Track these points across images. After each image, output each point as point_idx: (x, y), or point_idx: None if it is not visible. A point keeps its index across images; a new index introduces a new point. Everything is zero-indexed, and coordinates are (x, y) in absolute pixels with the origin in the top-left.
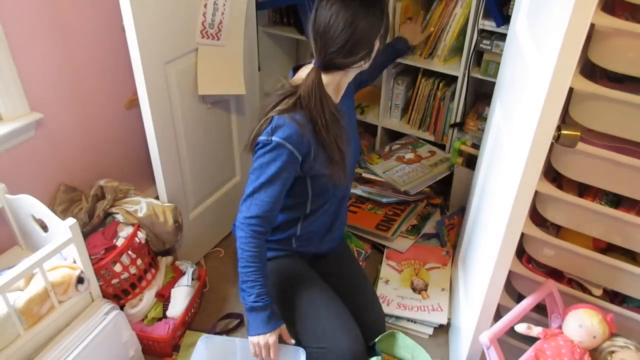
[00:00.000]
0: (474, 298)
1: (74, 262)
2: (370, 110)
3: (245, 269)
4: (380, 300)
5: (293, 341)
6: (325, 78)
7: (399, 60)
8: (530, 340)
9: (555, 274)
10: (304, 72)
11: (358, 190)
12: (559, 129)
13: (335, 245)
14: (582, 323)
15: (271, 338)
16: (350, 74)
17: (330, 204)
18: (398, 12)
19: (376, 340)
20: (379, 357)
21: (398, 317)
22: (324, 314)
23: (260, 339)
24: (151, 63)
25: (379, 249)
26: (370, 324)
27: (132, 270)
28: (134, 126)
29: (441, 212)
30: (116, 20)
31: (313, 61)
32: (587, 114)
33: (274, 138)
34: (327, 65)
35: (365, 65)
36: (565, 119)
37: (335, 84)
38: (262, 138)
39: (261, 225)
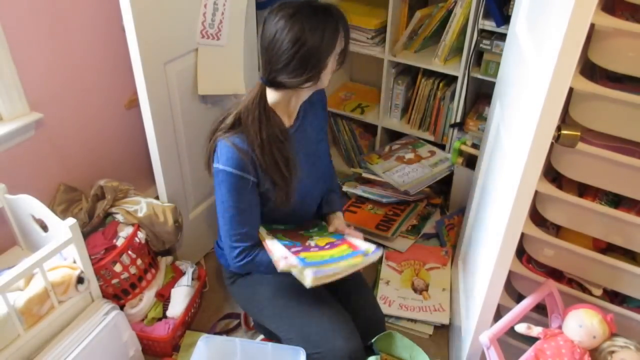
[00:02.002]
0: (474, 298)
1: (74, 262)
2: (370, 110)
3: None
4: (382, 302)
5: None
6: (273, 95)
7: (399, 60)
8: (530, 340)
9: (555, 274)
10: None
11: (358, 190)
12: (559, 129)
13: None
14: (582, 323)
15: None
16: (303, 94)
17: (285, 219)
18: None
19: (373, 340)
20: (378, 357)
21: (398, 317)
22: (316, 319)
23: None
24: (151, 63)
25: None
26: (370, 325)
27: (132, 270)
28: (134, 126)
29: (441, 212)
30: (116, 20)
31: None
32: (587, 114)
33: (220, 167)
34: (272, 82)
35: (316, 85)
36: (565, 119)
37: (285, 102)
38: (214, 166)
39: (251, 251)
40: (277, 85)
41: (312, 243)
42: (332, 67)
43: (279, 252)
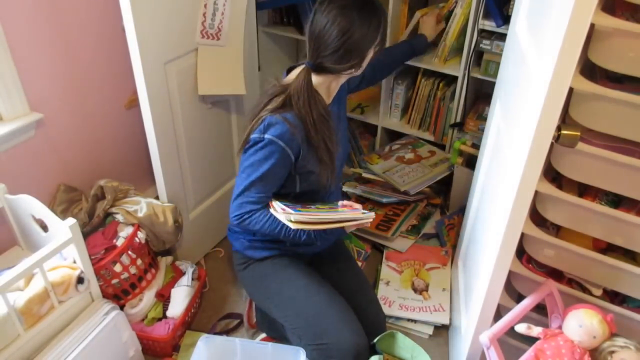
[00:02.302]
0: (474, 298)
1: (74, 262)
2: (370, 110)
3: (280, 232)
4: (382, 302)
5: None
6: (316, 79)
7: None
8: (530, 340)
9: (555, 274)
10: (295, 73)
11: (358, 190)
12: (559, 129)
13: (331, 243)
14: (582, 323)
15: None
16: (342, 79)
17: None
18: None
19: (375, 340)
20: (380, 356)
21: (398, 318)
22: (324, 310)
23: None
24: (151, 63)
25: (379, 249)
26: (371, 325)
27: (132, 270)
28: (134, 126)
29: (441, 212)
30: (116, 20)
31: (305, 60)
32: (587, 114)
33: (266, 136)
34: (318, 67)
35: (356, 72)
36: (565, 119)
37: (326, 85)
38: (254, 136)
39: (255, 211)
40: (321, 70)
41: (313, 207)
42: (371, 56)
43: (278, 206)
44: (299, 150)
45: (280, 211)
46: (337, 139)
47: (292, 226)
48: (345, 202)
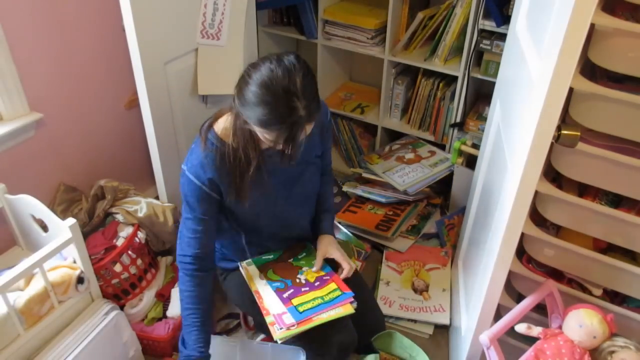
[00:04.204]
0: (474, 298)
1: (74, 262)
2: (370, 110)
3: (185, 311)
4: (382, 302)
5: None
6: None
7: (399, 60)
8: (530, 340)
9: (555, 274)
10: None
11: (358, 190)
12: (559, 129)
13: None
14: (582, 323)
15: None
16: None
17: (271, 238)
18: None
19: (372, 339)
20: (377, 355)
21: (398, 318)
22: None
23: None
24: (151, 63)
25: (378, 249)
26: (369, 325)
27: (132, 270)
28: (134, 126)
29: (441, 212)
30: (116, 20)
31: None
32: (587, 114)
33: (183, 166)
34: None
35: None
36: (565, 119)
37: None
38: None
39: (195, 264)
40: None
41: (302, 278)
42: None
43: (273, 309)
44: (217, 185)
45: (280, 329)
46: (263, 177)
47: (279, 342)
48: (340, 258)
